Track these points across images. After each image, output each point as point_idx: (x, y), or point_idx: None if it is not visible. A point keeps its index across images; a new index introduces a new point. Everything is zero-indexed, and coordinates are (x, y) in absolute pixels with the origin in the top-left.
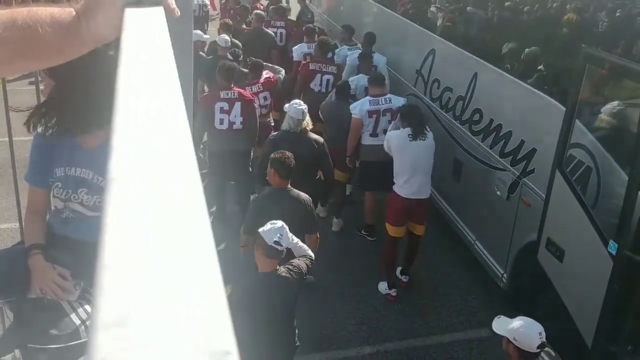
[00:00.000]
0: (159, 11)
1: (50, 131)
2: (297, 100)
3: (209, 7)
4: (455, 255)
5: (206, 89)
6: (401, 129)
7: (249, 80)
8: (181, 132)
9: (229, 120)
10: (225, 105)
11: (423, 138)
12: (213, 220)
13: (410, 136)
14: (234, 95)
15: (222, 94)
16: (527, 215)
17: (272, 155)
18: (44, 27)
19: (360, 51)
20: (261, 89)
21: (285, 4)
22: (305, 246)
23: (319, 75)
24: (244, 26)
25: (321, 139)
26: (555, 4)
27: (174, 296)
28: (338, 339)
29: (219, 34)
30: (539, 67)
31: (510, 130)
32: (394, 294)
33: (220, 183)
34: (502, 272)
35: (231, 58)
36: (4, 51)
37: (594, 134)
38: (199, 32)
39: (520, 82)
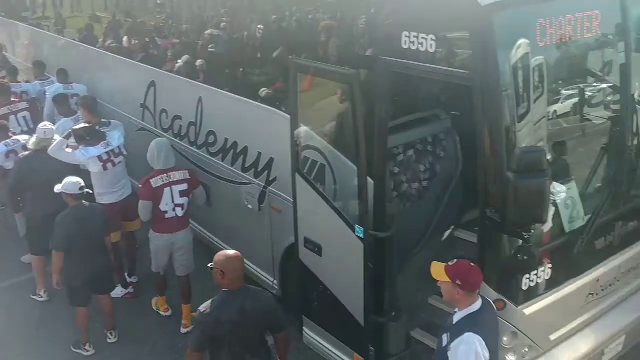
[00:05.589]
0: None
1: None
2: (45, 122)
3: None
4: None
5: None
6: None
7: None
8: None
9: None
10: None
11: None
12: None
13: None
14: None
15: None
16: (281, 221)
17: None
18: None
19: (58, 84)
20: None
21: None
22: None
23: (12, 116)
24: None
25: None
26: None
27: None
28: None
29: None
30: None
31: (245, 145)
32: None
33: None
34: (272, 279)
35: None
36: None
37: (319, 133)
38: None
39: (241, 97)
